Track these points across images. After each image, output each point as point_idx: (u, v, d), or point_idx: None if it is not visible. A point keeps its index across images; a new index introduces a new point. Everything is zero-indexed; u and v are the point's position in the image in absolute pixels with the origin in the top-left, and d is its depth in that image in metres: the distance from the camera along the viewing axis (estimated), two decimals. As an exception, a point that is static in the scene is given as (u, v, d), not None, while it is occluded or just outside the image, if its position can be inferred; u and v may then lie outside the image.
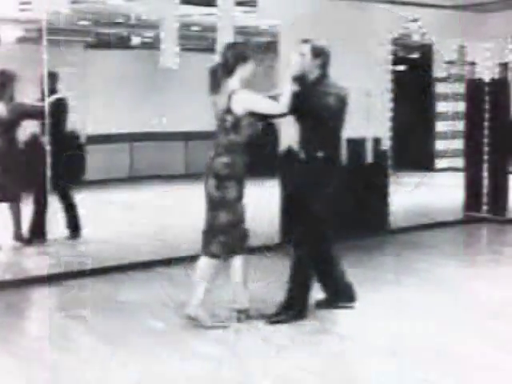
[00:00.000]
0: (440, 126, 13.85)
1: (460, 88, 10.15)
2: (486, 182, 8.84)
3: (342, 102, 4.93)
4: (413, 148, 13.06)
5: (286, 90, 4.68)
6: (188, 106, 12.13)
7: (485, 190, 8.85)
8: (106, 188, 11.07)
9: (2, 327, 4.93)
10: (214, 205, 4.70)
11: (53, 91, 7.19)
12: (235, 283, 4.87)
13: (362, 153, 7.79)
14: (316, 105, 4.83)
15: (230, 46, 4.87)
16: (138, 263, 6.49)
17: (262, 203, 7.54)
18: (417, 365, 4.13)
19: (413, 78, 12.79)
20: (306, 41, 4.92)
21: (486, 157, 8.81)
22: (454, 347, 4.42)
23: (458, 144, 10.22)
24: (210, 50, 7.16)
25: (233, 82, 4.72)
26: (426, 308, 5.20)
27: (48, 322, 5.08)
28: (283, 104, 4.67)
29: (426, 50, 9.93)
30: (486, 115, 8.75)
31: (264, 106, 4.72)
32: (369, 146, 7.86)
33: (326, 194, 4.88)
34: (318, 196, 4.85)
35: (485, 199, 8.85)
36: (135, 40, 10.24)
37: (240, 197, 4.76)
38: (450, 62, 8.80)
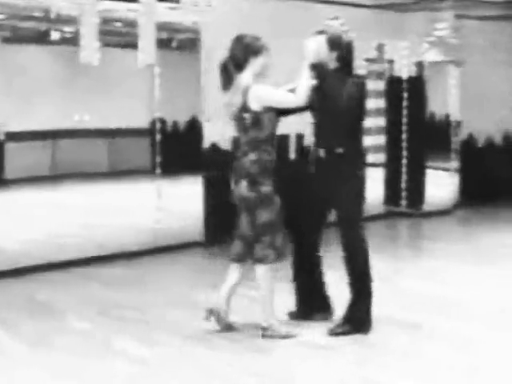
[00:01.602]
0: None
1: (380, 85, 10.40)
2: (404, 176, 9.08)
3: (361, 93, 4.62)
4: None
5: (303, 81, 4.44)
6: (111, 103, 11.98)
7: (403, 185, 9.10)
8: (26, 187, 10.81)
9: None
10: (250, 206, 4.44)
11: None
12: (231, 288, 4.61)
13: (286, 149, 7.88)
14: (334, 99, 4.51)
15: (239, 39, 4.52)
16: (61, 263, 6.38)
17: (185, 201, 7.58)
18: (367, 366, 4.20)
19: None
20: (321, 32, 4.62)
21: (404, 152, 9.05)
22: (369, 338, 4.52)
23: (379, 140, 10.45)
24: (133, 45, 7.10)
25: (245, 78, 4.45)
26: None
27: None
28: (300, 96, 4.42)
29: (348, 48, 10.07)
30: (404, 112, 8.99)
31: (280, 99, 4.47)
32: (292, 143, 7.96)
33: (355, 193, 4.61)
34: (348, 198, 4.57)
35: (403, 194, 9.10)
36: (55, 35, 10.01)
37: (275, 192, 4.49)
38: (370, 60, 8.98)
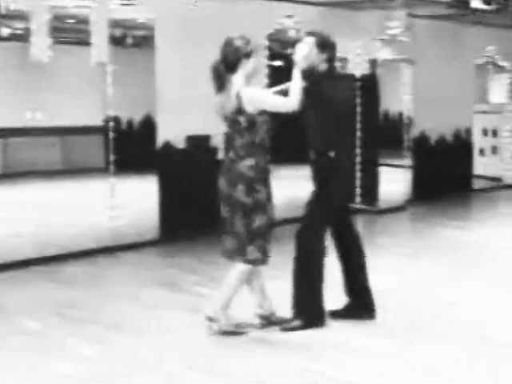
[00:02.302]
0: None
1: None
2: (358, 173, 9.17)
3: (352, 92, 4.68)
4: (291, 141, 13.34)
5: (295, 84, 4.42)
6: (64, 100, 11.83)
7: (358, 182, 9.19)
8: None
9: None
10: (247, 211, 4.41)
11: None
12: (259, 287, 4.64)
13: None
14: (329, 100, 4.54)
15: (229, 42, 4.49)
16: (14, 262, 6.27)
17: (140, 199, 7.53)
18: (317, 360, 4.23)
19: (289, 73, 13.05)
20: (310, 33, 4.61)
21: (358, 150, 9.14)
22: (342, 341, 4.55)
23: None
24: (85, 43, 7.01)
25: (237, 80, 4.43)
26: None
27: None
28: (294, 100, 4.40)
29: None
30: (358, 109, 9.07)
31: (274, 103, 4.46)
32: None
33: (344, 197, 4.67)
34: (328, 198, 4.60)
35: (357, 190, 9.19)
36: (4, 31, 9.84)
37: (270, 197, 4.50)
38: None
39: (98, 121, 11.41)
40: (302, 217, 4.73)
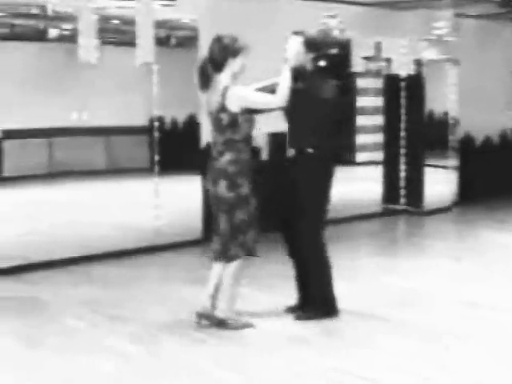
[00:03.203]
0: (360, 120, 14.12)
1: (379, 83, 10.39)
2: (403, 174, 9.08)
3: (333, 94, 4.77)
4: (333, 142, 13.27)
5: (284, 82, 4.46)
6: (108, 101, 11.97)
7: (402, 183, 9.09)
8: (24, 184, 10.80)
9: None
10: (228, 206, 4.46)
11: None
12: (221, 287, 4.63)
13: (283, 147, 7.85)
14: (314, 98, 4.64)
15: (218, 40, 4.54)
16: (57, 261, 6.35)
17: (183, 199, 7.58)
18: (345, 360, 4.21)
19: (333, 73, 12.99)
20: (297, 33, 4.68)
21: (403, 150, 9.05)
22: (373, 339, 4.52)
23: (378, 138, 10.45)
24: (130, 43, 7.08)
25: (223, 78, 4.47)
26: (340, 302, 5.27)
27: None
28: (281, 97, 4.45)
29: (345, 46, 10.10)
30: (403, 110, 8.98)
31: (260, 101, 4.50)
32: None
33: (316, 193, 4.71)
34: (307, 195, 4.68)
35: (402, 192, 9.10)
36: (52, 33, 10.00)
37: (251, 193, 4.53)
38: (368, 58, 8.98)
39: (142, 121, 11.53)
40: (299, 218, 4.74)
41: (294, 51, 4.57)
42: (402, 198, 9.10)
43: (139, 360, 4.18)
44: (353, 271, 6.20)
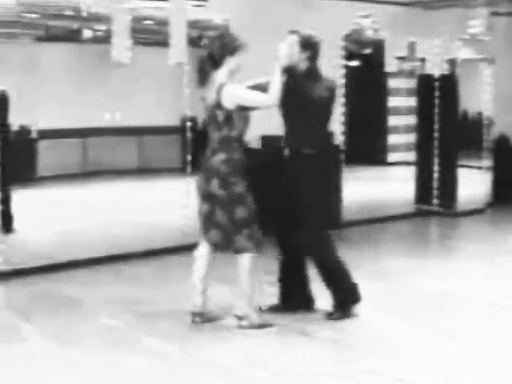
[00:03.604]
0: (392, 121, 14.04)
1: (411, 83, 10.31)
2: (436, 175, 8.99)
3: (332, 94, 4.79)
4: (365, 142, 13.22)
5: (276, 81, 4.50)
6: (141, 101, 12.06)
7: (435, 184, 9.01)
8: (58, 184, 10.93)
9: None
10: (223, 203, 4.51)
11: None
12: (204, 284, 4.73)
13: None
14: (305, 98, 4.66)
15: (217, 38, 4.67)
16: (90, 260, 6.40)
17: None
18: (374, 359, 4.19)
19: (366, 73, 12.92)
20: (293, 32, 4.72)
21: (436, 150, 8.96)
22: (404, 339, 4.50)
23: (410, 138, 10.37)
24: (163, 44, 7.11)
25: (220, 75, 4.55)
26: (372, 302, 5.24)
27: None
28: (273, 96, 4.50)
29: (378, 46, 10.04)
30: (436, 110, 8.90)
31: (253, 99, 4.55)
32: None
33: (314, 192, 4.69)
34: (305, 195, 4.68)
35: (435, 192, 9.02)
36: (86, 33, 10.10)
37: (247, 190, 4.57)
38: (401, 58, 8.92)
39: (174, 121, 11.59)
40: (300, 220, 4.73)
41: (285, 50, 4.60)
42: (435, 199, 9.01)
43: (172, 358, 4.20)
44: (384, 271, 6.17)
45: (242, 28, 7.33)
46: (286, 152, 4.78)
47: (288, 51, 4.60)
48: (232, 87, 4.52)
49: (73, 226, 7.84)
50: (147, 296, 5.47)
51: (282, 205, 4.86)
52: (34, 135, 11.64)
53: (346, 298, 4.82)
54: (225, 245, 4.63)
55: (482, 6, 8.66)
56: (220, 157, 4.51)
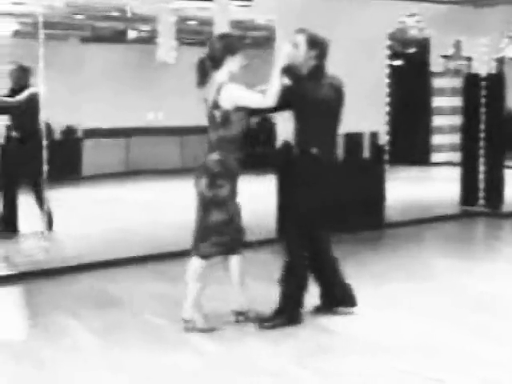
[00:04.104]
0: (437, 121, 13.88)
1: (457, 82, 10.18)
2: (482, 176, 8.85)
3: (339, 94, 4.73)
4: (409, 142, 13.10)
5: (274, 82, 4.46)
6: (184, 101, 12.13)
7: (481, 184, 8.87)
8: (102, 183, 11.07)
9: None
10: (206, 204, 4.52)
11: (25, 86, 7.16)
12: (234, 284, 4.75)
13: (359, 147, 7.79)
14: (311, 98, 4.60)
15: (218, 38, 4.66)
16: (133, 258, 6.46)
17: (259, 198, 7.59)
18: (413, 361, 4.15)
19: (410, 73, 12.80)
20: (301, 30, 4.68)
21: (482, 151, 8.82)
22: (444, 341, 4.44)
23: (455, 138, 10.24)
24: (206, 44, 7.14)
25: (220, 75, 4.54)
26: (415, 302, 5.21)
27: (41, 318, 5.06)
28: (270, 97, 4.44)
29: (423, 45, 9.93)
30: (483, 109, 8.76)
31: (250, 99, 4.50)
32: (366, 141, 7.87)
33: (314, 192, 4.66)
34: (304, 194, 4.65)
35: (481, 193, 8.88)
36: (131, 34, 10.21)
37: (233, 195, 4.58)
38: (447, 57, 8.81)
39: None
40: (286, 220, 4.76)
41: (286, 53, 4.54)
42: (481, 200, 8.87)
43: (218, 357, 4.20)
44: (428, 272, 6.10)
45: (288, 28, 7.35)
46: (294, 151, 4.75)
47: (289, 52, 4.56)
48: (230, 87, 4.49)
49: (117, 224, 7.92)
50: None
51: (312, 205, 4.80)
52: (79, 135, 11.82)
53: (288, 306, 4.70)
54: (193, 248, 4.63)
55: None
56: (215, 156, 4.49)
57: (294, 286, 4.70)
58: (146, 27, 9.48)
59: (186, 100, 12.15)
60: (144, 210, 8.80)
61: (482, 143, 8.81)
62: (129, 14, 8.64)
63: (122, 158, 12.31)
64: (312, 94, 4.62)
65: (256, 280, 5.69)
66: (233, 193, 4.59)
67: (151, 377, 3.95)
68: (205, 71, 4.58)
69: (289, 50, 4.58)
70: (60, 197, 7.37)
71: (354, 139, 7.63)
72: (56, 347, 4.39)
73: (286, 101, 4.52)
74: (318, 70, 4.68)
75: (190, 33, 9.28)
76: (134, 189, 10.83)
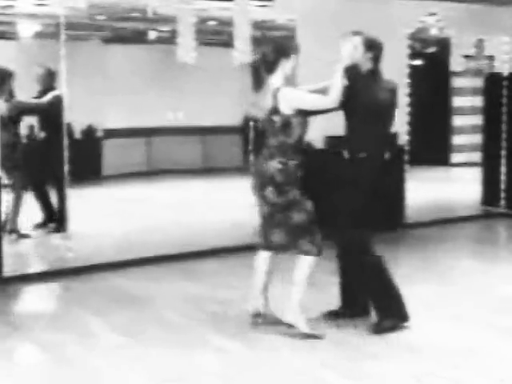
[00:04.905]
0: (457, 121, 13.79)
1: (478, 82, 10.09)
2: (503, 176, 8.79)
3: (392, 97, 4.68)
4: (429, 142, 13.02)
5: (337, 82, 4.35)
6: (205, 101, 12.17)
7: (502, 185, 8.80)
8: (123, 182, 11.13)
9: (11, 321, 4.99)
10: (281, 208, 4.43)
11: (51, 88, 7.30)
12: (265, 285, 4.68)
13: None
14: (367, 100, 4.53)
15: (270, 41, 4.55)
16: (156, 257, 6.49)
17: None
18: (439, 362, 4.13)
19: (430, 73, 12.73)
20: (357, 33, 4.60)
21: (503, 152, 8.76)
22: (470, 342, 4.42)
23: (475, 138, 10.17)
24: (227, 44, 7.15)
25: (275, 80, 4.42)
26: (439, 303, 5.21)
27: (65, 315, 5.10)
28: (333, 98, 4.34)
29: (444, 44, 9.87)
30: (504, 109, 8.69)
31: (312, 102, 4.42)
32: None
33: (362, 196, 4.61)
34: (354, 198, 4.60)
35: (502, 194, 8.81)
36: (152, 34, 10.25)
37: (302, 196, 4.46)
38: (468, 56, 8.74)
39: (237, 120, 11.65)
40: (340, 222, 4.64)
41: (348, 51, 4.47)
42: (502, 201, 8.81)
43: (240, 357, 4.22)
44: (448, 273, 6.09)
45: (309, 28, 7.34)
46: (346, 155, 4.65)
47: (350, 51, 4.49)
48: (288, 91, 4.40)
49: (139, 224, 7.96)
50: (213, 294, 5.50)
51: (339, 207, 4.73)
52: (100, 134, 11.89)
53: (390, 310, 4.61)
54: (288, 245, 4.54)
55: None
56: (275, 164, 4.39)
57: (383, 284, 4.60)
58: (166, 27, 9.50)
59: (207, 100, 12.22)
60: (166, 209, 8.84)
61: (503, 143, 8.76)
62: (149, 15, 8.66)
63: (143, 157, 12.36)
64: (366, 96, 4.54)
65: (281, 281, 5.69)
66: (302, 194, 4.48)
67: (173, 375, 3.97)
68: (259, 75, 4.47)
69: (350, 48, 4.50)
70: (82, 196, 7.43)
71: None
72: (79, 344, 4.43)
73: (343, 102, 4.44)
74: (374, 73, 4.63)
75: (211, 33, 9.28)
76: (155, 188, 10.87)
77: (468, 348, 4.34)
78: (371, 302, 4.69)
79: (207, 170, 12.12)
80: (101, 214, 8.33)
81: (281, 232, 4.52)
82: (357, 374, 3.97)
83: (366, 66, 4.59)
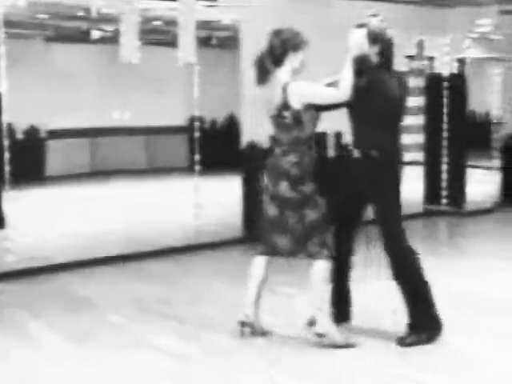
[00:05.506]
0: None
1: (420, 82, 10.27)
2: (444, 175, 8.98)
3: (404, 92, 4.38)
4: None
5: (347, 74, 4.13)
6: (150, 101, 12.08)
7: (444, 184, 8.99)
8: (67, 183, 10.98)
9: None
10: (294, 205, 4.25)
11: None
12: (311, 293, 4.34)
13: (324, 147, 7.85)
14: (381, 95, 4.23)
15: (278, 33, 4.28)
16: (101, 258, 6.43)
17: (224, 198, 7.62)
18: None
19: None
20: (361, 25, 4.28)
21: (444, 151, 8.95)
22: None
23: (420, 138, 10.34)
24: (172, 44, 7.13)
25: (283, 74, 4.26)
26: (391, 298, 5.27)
27: (8, 318, 5.01)
28: (345, 90, 4.12)
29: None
30: (445, 109, 8.88)
31: (324, 95, 4.24)
32: (331, 140, 7.93)
33: (393, 198, 4.39)
34: (383, 199, 4.37)
35: (444, 192, 9.00)
36: (95, 34, 10.13)
37: (317, 193, 4.30)
38: (411, 57, 8.88)
39: (182, 121, 11.61)
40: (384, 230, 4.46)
41: (357, 41, 4.18)
42: (444, 199, 8.99)
43: (190, 358, 4.19)
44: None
45: (253, 28, 7.37)
46: (356, 154, 4.39)
47: (358, 41, 4.18)
48: (298, 84, 4.22)
49: (84, 225, 7.89)
50: (158, 294, 5.48)
51: (345, 207, 4.55)
52: (43, 135, 11.70)
53: (424, 324, 4.36)
54: (294, 250, 4.32)
55: (491, 5, 8.64)
56: (290, 158, 4.23)
57: (420, 296, 4.37)
58: (110, 27, 9.41)
59: (152, 100, 12.14)
60: (110, 209, 8.75)
61: (444, 143, 8.94)
62: (93, 14, 8.56)
63: (88, 158, 12.20)
64: (383, 90, 4.23)
65: (230, 282, 5.70)
66: (316, 190, 4.31)
67: (121, 378, 3.93)
68: (264, 68, 4.27)
69: (358, 39, 4.20)
70: (24, 196, 7.30)
71: (318, 138, 7.66)
72: (22, 346, 4.36)
73: (352, 98, 4.18)
74: (382, 67, 4.30)
75: (155, 33, 9.23)
76: (99, 189, 10.76)
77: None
78: (411, 309, 4.36)
79: (152, 170, 12.05)
80: (43, 215, 8.21)
81: (288, 236, 4.31)
82: (305, 375, 3.99)
83: (372, 59, 4.27)
